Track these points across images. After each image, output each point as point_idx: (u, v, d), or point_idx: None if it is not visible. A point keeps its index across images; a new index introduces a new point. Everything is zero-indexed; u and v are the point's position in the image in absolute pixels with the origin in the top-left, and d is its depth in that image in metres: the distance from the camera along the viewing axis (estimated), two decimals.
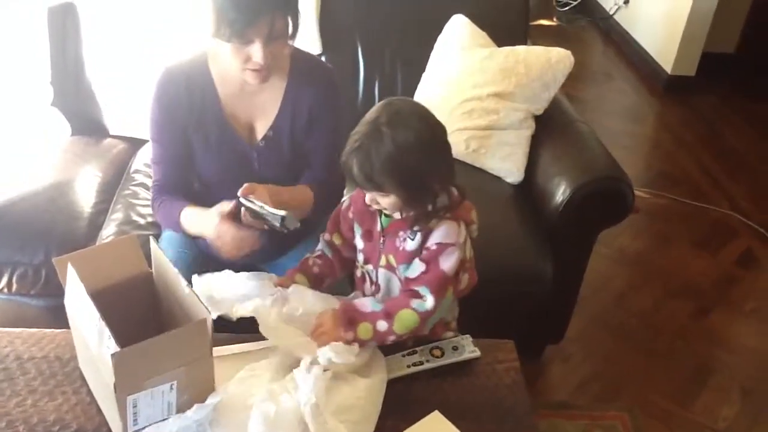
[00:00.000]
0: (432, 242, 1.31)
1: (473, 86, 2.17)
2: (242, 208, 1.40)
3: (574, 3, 5.03)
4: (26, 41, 2.19)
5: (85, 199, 2.02)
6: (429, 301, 1.29)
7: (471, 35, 2.29)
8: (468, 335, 1.41)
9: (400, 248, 1.34)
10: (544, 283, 1.95)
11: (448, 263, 1.30)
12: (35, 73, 2.22)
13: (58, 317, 1.60)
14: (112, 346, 1.02)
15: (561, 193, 1.92)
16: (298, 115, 1.57)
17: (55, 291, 1.83)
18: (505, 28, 2.38)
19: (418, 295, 1.30)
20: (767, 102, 4.12)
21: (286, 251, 1.71)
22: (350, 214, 1.43)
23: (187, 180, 1.63)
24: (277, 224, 1.31)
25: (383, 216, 1.36)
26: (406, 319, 1.28)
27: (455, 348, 1.38)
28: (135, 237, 1.32)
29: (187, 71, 1.52)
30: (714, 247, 2.90)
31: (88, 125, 2.33)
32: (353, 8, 2.38)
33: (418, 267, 1.31)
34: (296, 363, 1.24)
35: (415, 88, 2.32)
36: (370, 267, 1.42)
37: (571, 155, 2.07)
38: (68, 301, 1.21)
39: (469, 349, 1.38)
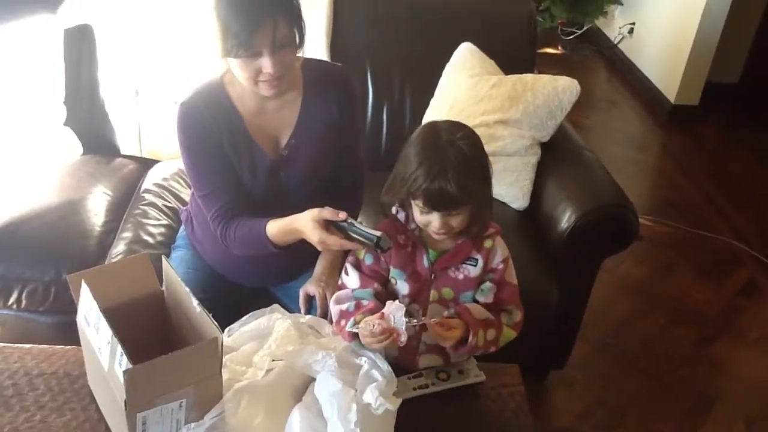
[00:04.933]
0: (497, 261, 1.36)
1: (481, 113, 2.19)
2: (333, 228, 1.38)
3: (579, 32, 5.08)
4: (41, 61, 2.23)
5: (96, 217, 2.04)
6: (517, 314, 1.36)
7: (479, 63, 2.32)
8: (473, 358, 1.42)
9: (460, 277, 1.34)
10: (549, 308, 1.96)
11: (513, 273, 1.38)
12: (49, 92, 2.25)
13: (66, 334, 1.61)
14: (125, 363, 1.04)
15: (566, 219, 1.93)
16: (318, 121, 1.60)
17: (64, 308, 1.86)
18: (513, 56, 2.41)
19: (504, 312, 1.35)
20: None
21: (298, 276, 1.72)
22: (384, 261, 1.37)
23: (246, 197, 1.58)
24: (372, 244, 1.32)
25: (430, 252, 1.35)
26: (506, 335, 1.34)
27: (461, 371, 1.39)
28: (147, 256, 1.34)
29: (206, 97, 1.53)
30: (718, 276, 2.91)
31: (99, 145, 2.36)
32: (363, 35, 2.42)
33: (489, 289, 1.35)
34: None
35: (423, 113, 2.34)
36: (415, 306, 1.36)
37: (576, 182, 2.09)
38: (80, 318, 1.22)
39: (474, 372, 1.39)
